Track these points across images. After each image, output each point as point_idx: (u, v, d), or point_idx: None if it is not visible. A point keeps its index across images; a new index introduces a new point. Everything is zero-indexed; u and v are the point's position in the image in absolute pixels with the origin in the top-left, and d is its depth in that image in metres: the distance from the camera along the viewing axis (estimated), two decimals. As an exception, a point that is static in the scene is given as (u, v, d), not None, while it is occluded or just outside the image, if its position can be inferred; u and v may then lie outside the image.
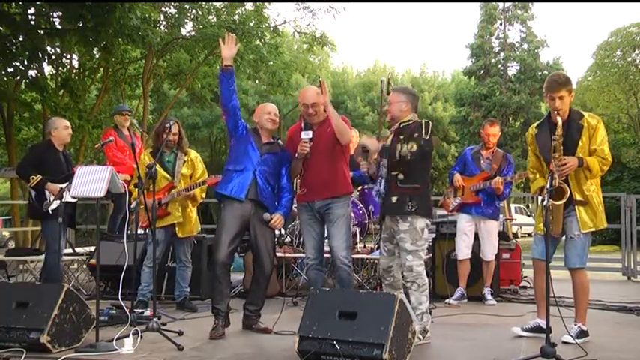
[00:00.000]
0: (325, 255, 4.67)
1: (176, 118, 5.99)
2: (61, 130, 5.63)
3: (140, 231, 5.50)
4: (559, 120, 4.02)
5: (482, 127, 6.14)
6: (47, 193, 5.46)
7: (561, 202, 3.94)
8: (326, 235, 4.54)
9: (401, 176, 4.08)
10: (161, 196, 5.29)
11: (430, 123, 4.17)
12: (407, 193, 4.06)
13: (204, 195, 5.73)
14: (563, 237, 4.21)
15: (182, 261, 5.62)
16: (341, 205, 4.43)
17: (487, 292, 5.86)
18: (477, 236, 5.99)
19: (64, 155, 5.73)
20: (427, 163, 4.25)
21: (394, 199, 4.09)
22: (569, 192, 3.92)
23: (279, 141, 4.73)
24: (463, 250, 5.92)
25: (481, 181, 5.87)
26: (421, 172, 4.16)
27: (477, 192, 5.89)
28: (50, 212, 5.39)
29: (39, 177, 5.43)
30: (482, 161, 5.98)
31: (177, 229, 5.48)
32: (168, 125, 5.32)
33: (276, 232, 6.82)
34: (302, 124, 4.48)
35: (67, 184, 5.50)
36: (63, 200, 5.37)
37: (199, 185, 5.49)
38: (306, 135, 4.37)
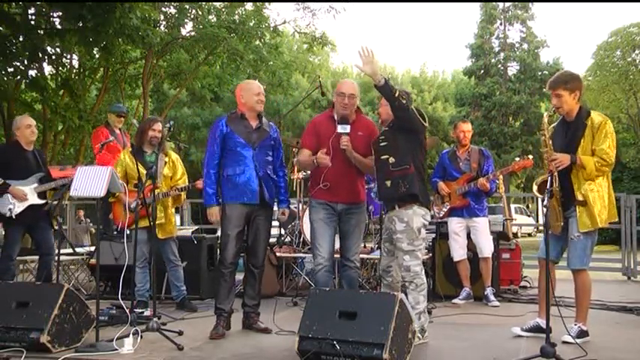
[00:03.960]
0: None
1: (160, 118, 5.95)
2: (23, 129, 5.47)
3: (127, 231, 5.44)
4: (545, 117, 4.10)
5: (455, 126, 6.15)
6: (10, 197, 5.33)
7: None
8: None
9: (392, 159, 4.09)
10: (145, 196, 5.23)
11: (418, 108, 4.19)
12: (399, 175, 4.06)
13: (185, 197, 5.70)
14: None
15: (172, 261, 5.57)
16: (363, 211, 4.47)
17: (489, 292, 5.82)
18: (470, 236, 6.00)
19: (35, 154, 5.59)
20: (415, 143, 4.17)
21: (388, 183, 4.10)
22: (556, 180, 3.95)
23: (264, 120, 4.58)
24: (458, 251, 5.93)
25: (465, 184, 5.88)
26: (411, 153, 4.12)
27: (464, 194, 5.90)
28: (14, 217, 5.31)
29: (0, 181, 5.30)
30: (460, 163, 5.99)
31: (157, 230, 5.35)
32: (155, 124, 5.33)
33: (276, 231, 6.86)
34: (334, 116, 4.34)
35: (34, 185, 5.46)
36: (28, 203, 5.33)
37: (184, 190, 5.49)
38: (344, 129, 4.18)
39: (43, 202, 5.44)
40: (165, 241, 5.52)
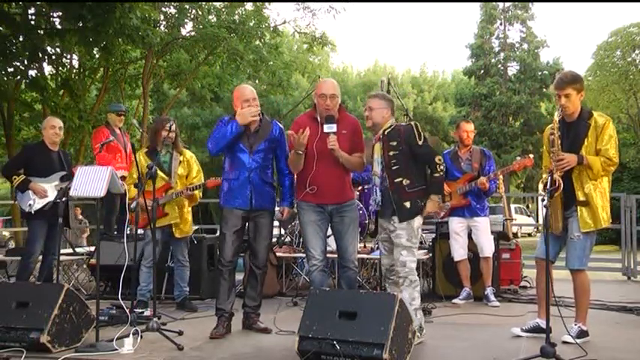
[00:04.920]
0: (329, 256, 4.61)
1: (173, 118, 5.97)
2: (48, 129, 5.64)
3: (140, 231, 5.49)
4: (556, 116, 4.05)
5: (458, 125, 6.12)
6: (31, 193, 5.45)
7: (555, 195, 3.92)
8: (329, 234, 4.48)
9: (406, 181, 4.10)
10: (158, 196, 5.27)
11: (418, 124, 4.21)
12: (417, 196, 4.11)
13: (201, 194, 5.72)
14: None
15: (180, 261, 5.60)
16: (354, 209, 4.43)
17: (489, 292, 5.80)
18: (471, 236, 6.00)
19: (60, 155, 5.71)
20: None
21: (408, 204, 4.10)
22: (562, 184, 3.91)
23: (265, 117, 4.57)
24: (458, 250, 5.93)
25: (466, 183, 5.88)
26: (422, 173, 4.20)
27: (465, 194, 5.90)
28: (33, 212, 5.41)
29: (22, 177, 5.44)
30: (462, 163, 5.99)
31: (174, 229, 5.47)
32: (169, 124, 5.32)
33: (276, 231, 6.86)
34: (317, 117, 4.29)
35: (55, 183, 5.52)
36: (48, 200, 5.37)
37: (198, 188, 5.49)
38: (330, 128, 4.14)
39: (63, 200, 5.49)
40: (179, 241, 5.57)
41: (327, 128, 4.16)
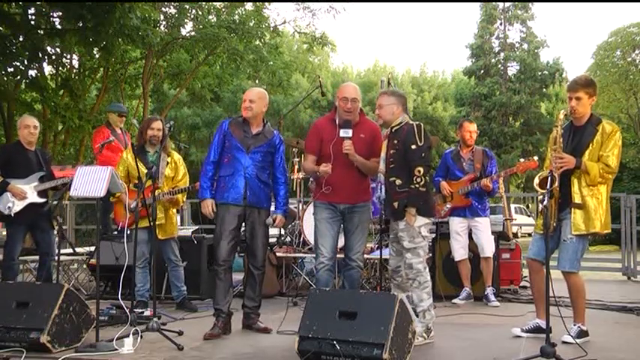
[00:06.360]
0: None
1: (160, 117, 5.92)
2: (22, 129, 5.51)
3: (127, 231, 5.41)
4: (561, 113, 4.08)
5: (461, 125, 6.10)
6: (9, 195, 5.34)
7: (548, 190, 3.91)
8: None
9: (399, 181, 4.10)
10: (145, 196, 5.21)
11: (422, 125, 4.17)
12: (406, 196, 4.07)
13: (185, 199, 5.68)
14: None
15: (172, 261, 5.57)
16: (367, 210, 4.47)
17: (490, 292, 5.81)
18: (471, 236, 6.00)
19: (38, 154, 5.59)
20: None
21: (396, 204, 4.11)
22: (556, 179, 3.90)
23: (268, 124, 4.65)
24: (459, 250, 5.92)
25: (468, 184, 5.88)
26: None
27: (466, 194, 5.89)
28: (12, 215, 5.32)
29: (0, 179, 5.33)
30: (464, 163, 5.98)
31: (157, 230, 5.33)
32: (154, 124, 5.32)
33: (276, 231, 6.86)
34: (336, 119, 4.35)
35: (35, 184, 5.45)
36: (27, 202, 5.32)
37: (183, 191, 5.46)
38: (346, 133, 4.21)
39: (43, 200, 5.43)
40: (166, 242, 5.51)
41: (342, 133, 4.23)
